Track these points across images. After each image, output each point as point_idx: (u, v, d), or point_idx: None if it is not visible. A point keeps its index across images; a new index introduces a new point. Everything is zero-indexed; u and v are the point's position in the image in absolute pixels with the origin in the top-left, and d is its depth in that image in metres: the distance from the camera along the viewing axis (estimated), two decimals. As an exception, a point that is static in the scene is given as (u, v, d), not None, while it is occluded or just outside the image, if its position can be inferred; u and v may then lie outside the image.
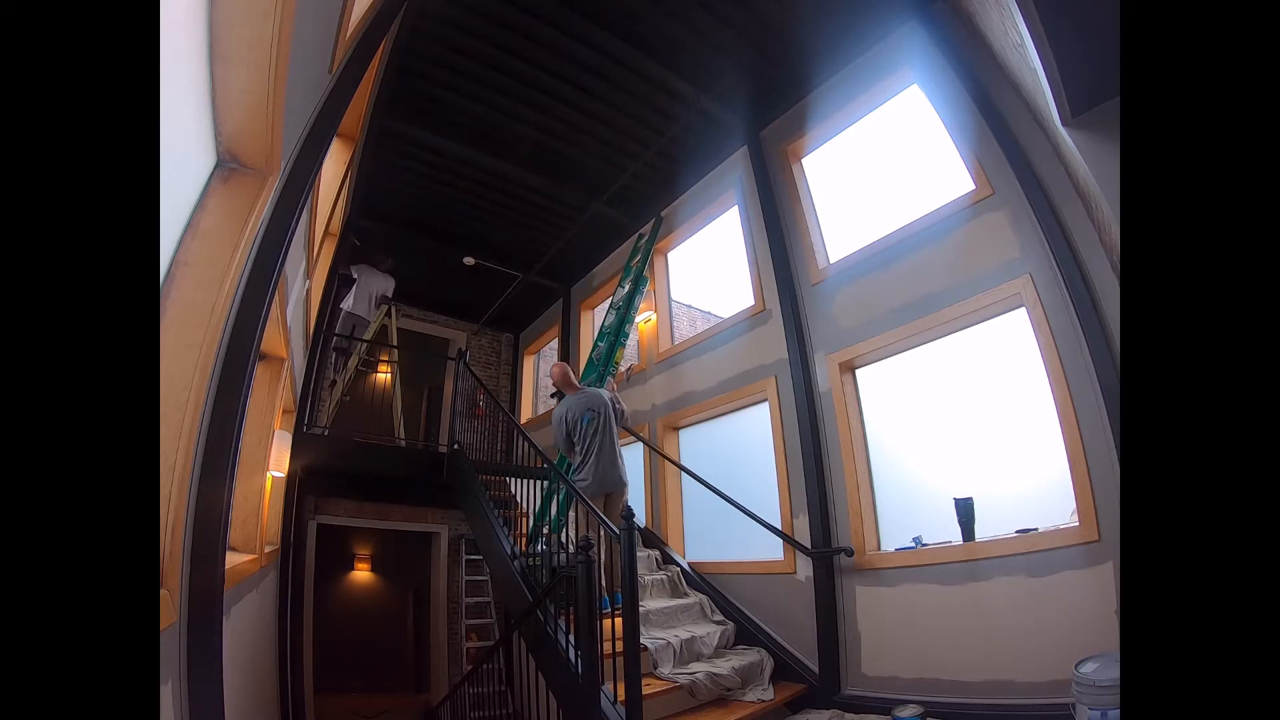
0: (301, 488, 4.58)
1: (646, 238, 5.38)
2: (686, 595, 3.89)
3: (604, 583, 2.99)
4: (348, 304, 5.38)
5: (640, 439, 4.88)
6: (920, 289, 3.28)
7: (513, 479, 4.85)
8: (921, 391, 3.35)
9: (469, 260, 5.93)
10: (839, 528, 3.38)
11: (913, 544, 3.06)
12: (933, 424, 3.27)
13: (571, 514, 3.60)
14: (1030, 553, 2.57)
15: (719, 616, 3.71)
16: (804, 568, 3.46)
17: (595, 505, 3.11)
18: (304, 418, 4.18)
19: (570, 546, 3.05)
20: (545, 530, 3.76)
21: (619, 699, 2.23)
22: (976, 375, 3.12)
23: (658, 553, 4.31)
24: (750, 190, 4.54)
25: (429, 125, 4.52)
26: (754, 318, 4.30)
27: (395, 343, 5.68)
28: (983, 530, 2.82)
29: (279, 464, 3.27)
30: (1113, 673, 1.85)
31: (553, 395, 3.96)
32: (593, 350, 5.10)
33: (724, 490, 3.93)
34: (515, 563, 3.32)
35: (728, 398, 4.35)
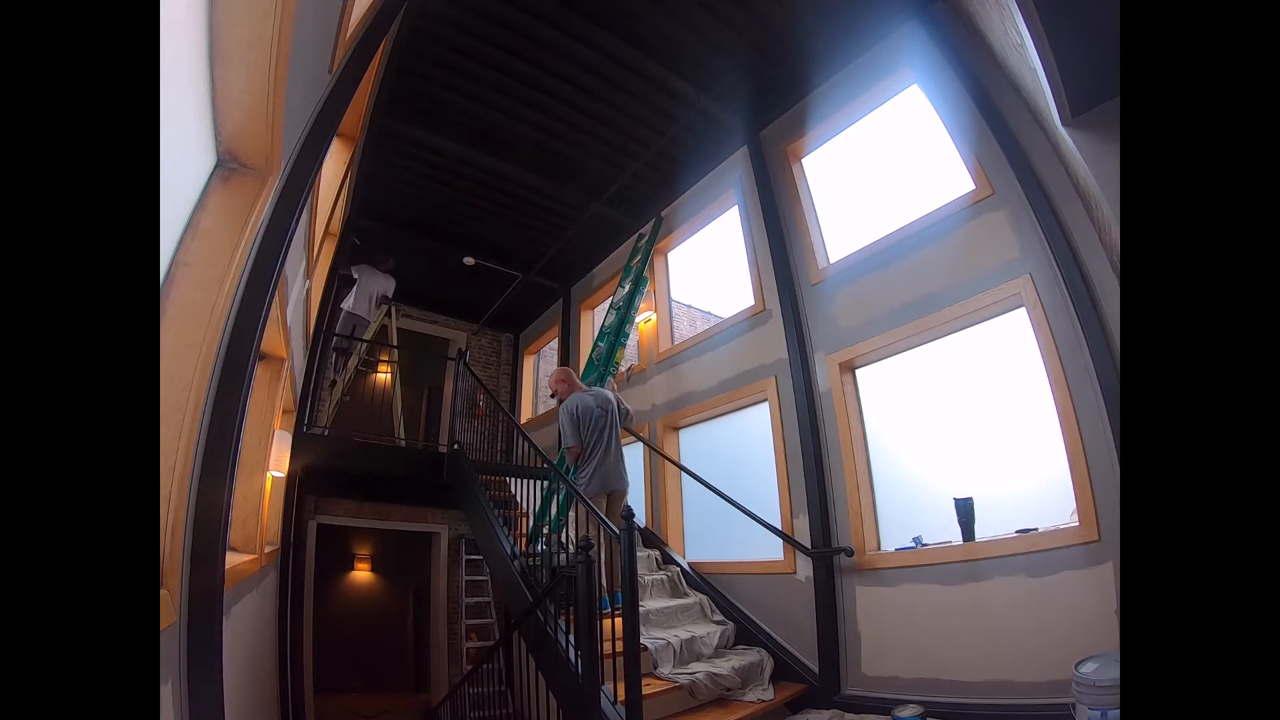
0: (301, 488, 4.58)
1: (646, 238, 5.38)
2: (686, 595, 3.89)
3: (604, 583, 2.99)
4: (348, 304, 5.38)
5: (640, 439, 4.87)
6: (920, 289, 3.28)
7: (513, 479, 4.85)
8: (921, 391, 3.35)
9: (469, 260, 5.93)
10: (839, 528, 3.38)
11: (913, 544, 3.06)
12: (933, 424, 3.27)
13: (571, 514, 3.60)
14: (1030, 553, 2.57)
15: (719, 616, 3.71)
16: (804, 568, 3.46)
17: (596, 505, 3.11)
18: (304, 418, 4.18)
19: (570, 546, 3.05)
20: (545, 530, 3.76)
21: (619, 699, 2.23)
22: (976, 375, 3.12)
23: (658, 553, 4.31)
24: (750, 190, 4.53)
25: (429, 125, 4.52)
26: (754, 318, 4.29)
27: (395, 343, 5.68)
28: (983, 530, 2.82)
29: (279, 464, 3.27)
30: (1113, 673, 1.85)
31: (552, 395, 3.96)
32: (593, 350, 5.10)
33: (724, 490, 3.93)
34: (515, 563, 3.32)
35: (728, 398, 4.35)
